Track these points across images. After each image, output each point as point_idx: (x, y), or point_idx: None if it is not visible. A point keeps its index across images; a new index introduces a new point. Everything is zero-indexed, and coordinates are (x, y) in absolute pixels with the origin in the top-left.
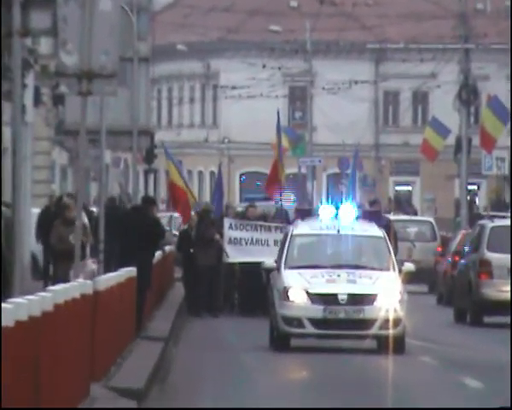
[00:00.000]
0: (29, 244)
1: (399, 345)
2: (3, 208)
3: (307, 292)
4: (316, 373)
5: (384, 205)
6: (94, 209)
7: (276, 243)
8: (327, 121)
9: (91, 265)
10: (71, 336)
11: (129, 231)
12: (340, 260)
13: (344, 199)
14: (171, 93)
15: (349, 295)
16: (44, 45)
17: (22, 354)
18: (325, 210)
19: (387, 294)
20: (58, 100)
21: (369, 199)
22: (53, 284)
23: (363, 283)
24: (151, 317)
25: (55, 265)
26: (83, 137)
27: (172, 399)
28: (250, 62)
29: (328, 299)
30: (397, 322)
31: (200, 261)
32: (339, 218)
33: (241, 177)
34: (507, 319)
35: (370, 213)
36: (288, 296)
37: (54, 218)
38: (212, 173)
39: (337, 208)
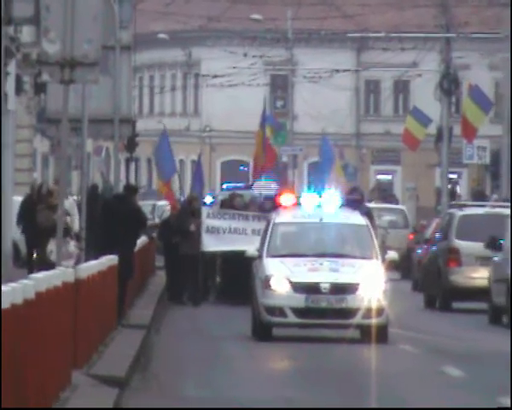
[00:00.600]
0: (11, 232)
1: (382, 334)
2: None
3: (289, 281)
4: (298, 363)
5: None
6: (75, 198)
7: (254, 232)
8: (308, 110)
9: (72, 247)
10: (53, 324)
11: (111, 219)
12: (323, 248)
13: (327, 187)
14: (152, 81)
15: (331, 284)
16: (26, 34)
17: (4, 342)
18: (307, 199)
19: (370, 283)
20: (40, 88)
21: (349, 187)
22: (38, 265)
23: (345, 271)
24: (132, 305)
25: (42, 242)
26: (65, 126)
27: (154, 387)
28: (231, 51)
29: (311, 288)
30: (380, 311)
31: (181, 251)
32: (322, 206)
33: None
34: (475, 305)
35: (351, 201)
36: (269, 285)
37: (36, 206)
38: (193, 162)
39: (320, 196)
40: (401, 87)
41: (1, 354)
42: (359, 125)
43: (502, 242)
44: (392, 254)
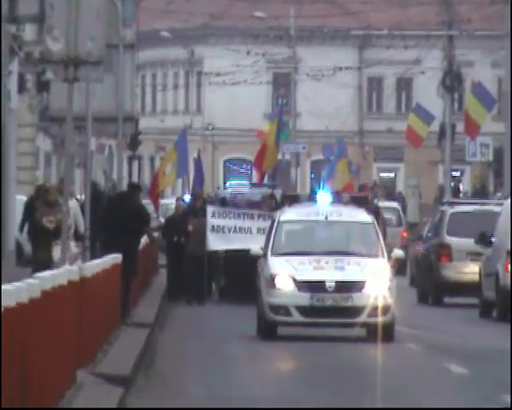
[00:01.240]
0: (14, 230)
1: (388, 333)
2: None
3: (294, 279)
4: (303, 361)
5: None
6: (79, 197)
7: (259, 230)
8: (311, 108)
9: (74, 248)
10: (58, 323)
11: (114, 217)
12: (328, 246)
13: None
14: (155, 80)
15: (337, 282)
16: (29, 32)
17: (9, 341)
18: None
19: (376, 281)
20: (42, 86)
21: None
22: (36, 265)
23: (351, 270)
24: (136, 303)
25: (41, 242)
26: (69, 124)
27: (159, 385)
28: (234, 49)
29: (316, 286)
30: (386, 309)
31: (187, 250)
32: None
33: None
34: (466, 300)
35: (358, 199)
36: (274, 284)
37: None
38: (195, 160)
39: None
40: (404, 84)
41: (6, 352)
42: (362, 122)
43: (492, 238)
44: (399, 253)
